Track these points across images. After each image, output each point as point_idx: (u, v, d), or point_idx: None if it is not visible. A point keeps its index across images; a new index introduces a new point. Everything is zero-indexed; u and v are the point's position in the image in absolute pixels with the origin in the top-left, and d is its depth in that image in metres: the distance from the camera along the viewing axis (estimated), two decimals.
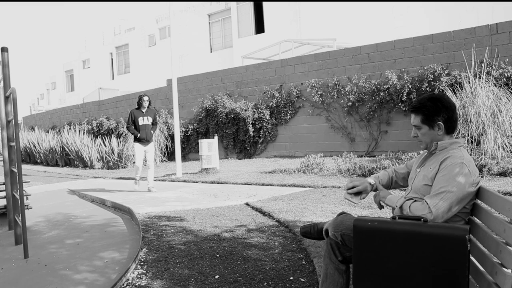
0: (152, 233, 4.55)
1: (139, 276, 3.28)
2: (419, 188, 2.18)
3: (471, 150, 7.25)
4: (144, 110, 7.71)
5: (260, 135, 11.91)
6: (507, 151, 7.23)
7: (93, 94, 23.40)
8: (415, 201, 2.08)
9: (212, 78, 13.38)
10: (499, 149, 7.17)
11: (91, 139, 14.64)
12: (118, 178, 10.41)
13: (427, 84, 8.84)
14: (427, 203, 1.99)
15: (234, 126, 12.29)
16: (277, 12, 19.77)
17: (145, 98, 7.71)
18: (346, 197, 2.36)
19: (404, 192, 2.37)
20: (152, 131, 7.74)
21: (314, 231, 2.49)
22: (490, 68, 8.13)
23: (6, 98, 4.37)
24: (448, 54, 8.89)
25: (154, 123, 7.86)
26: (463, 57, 8.57)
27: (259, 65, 12.37)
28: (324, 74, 10.79)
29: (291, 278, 3.10)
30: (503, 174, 6.24)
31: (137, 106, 7.81)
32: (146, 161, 7.81)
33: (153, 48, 28.13)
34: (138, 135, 7.57)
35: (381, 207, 2.33)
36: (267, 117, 11.67)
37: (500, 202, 1.88)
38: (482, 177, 6.19)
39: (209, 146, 9.73)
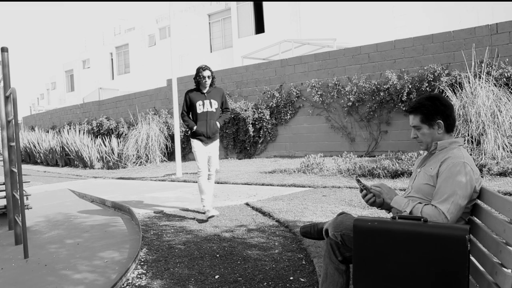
0: (152, 233, 4.55)
1: (139, 276, 3.28)
2: (420, 188, 2.19)
3: (471, 150, 7.25)
4: (205, 91, 5.15)
5: (260, 135, 11.91)
6: (507, 151, 7.23)
7: (93, 94, 23.41)
8: (425, 205, 2.08)
9: None
10: (499, 149, 7.17)
11: (91, 139, 14.64)
12: (118, 178, 10.41)
13: (427, 84, 8.84)
14: (441, 210, 2.00)
15: (234, 126, 12.29)
16: (277, 12, 19.77)
17: (206, 73, 5.05)
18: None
19: (404, 192, 2.37)
20: (218, 123, 5.20)
21: (314, 231, 2.50)
22: (490, 68, 8.13)
23: (6, 98, 4.37)
24: (448, 54, 8.89)
25: (225, 109, 5.38)
26: (463, 57, 8.57)
27: (259, 65, 12.37)
28: (324, 74, 10.79)
29: (291, 278, 3.10)
30: (503, 174, 6.24)
31: (194, 86, 5.29)
32: (209, 169, 5.26)
33: (153, 48, 28.14)
34: (194, 128, 5.10)
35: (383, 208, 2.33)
36: (267, 117, 11.67)
37: (500, 202, 1.88)
38: (482, 177, 6.20)
39: None
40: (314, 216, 4.78)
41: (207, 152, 5.16)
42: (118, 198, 6.95)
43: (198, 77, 5.12)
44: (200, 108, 5.12)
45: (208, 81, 5.10)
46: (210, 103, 5.13)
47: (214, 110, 5.16)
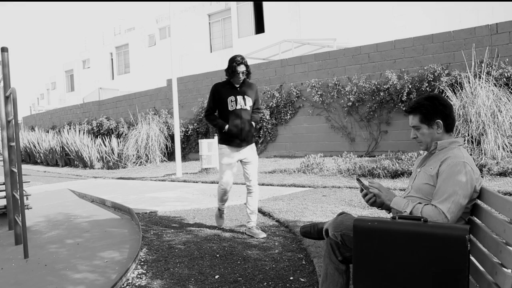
0: (152, 233, 4.55)
1: (139, 276, 3.28)
2: (420, 187, 2.18)
3: (471, 150, 7.25)
4: (237, 85, 4.29)
5: (260, 135, 11.91)
6: (507, 151, 7.23)
7: (93, 94, 23.42)
8: (425, 205, 2.08)
9: (212, 78, 13.37)
10: (499, 149, 7.17)
11: (91, 139, 14.65)
12: (118, 178, 10.41)
13: (427, 84, 8.84)
14: (441, 210, 1.99)
15: None
16: (277, 12, 19.77)
17: (241, 69, 4.16)
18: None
19: (404, 192, 2.37)
20: (253, 123, 4.35)
21: (314, 231, 2.50)
22: (490, 68, 8.13)
23: (6, 98, 4.37)
24: (448, 54, 8.89)
25: (256, 110, 4.44)
26: (463, 57, 8.57)
27: (259, 65, 12.36)
28: (324, 74, 10.78)
29: (291, 278, 3.10)
30: (503, 174, 6.24)
31: (226, 78, 4.33)
32: (248, 179, 4.38)
33: (153, 48, 28.14)
34: (226, 127, 4.24)
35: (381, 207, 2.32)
36: (267, 117, 11.67)
37: (500, 202, 1.88)
38: (482, 177, 6.19)
39: (209, 146, 9.73)
40: (314, 216, 4.78)
41: (237, 160, 4.31)
42: (118, 198, 6.95)
43: (233, 67, 4.18)
44: (232, 105, 4.24)
45: (242, 78, 4.24)
46: (244, 99, 4.27)
47: (249, 108, 4.29)
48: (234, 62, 4.17)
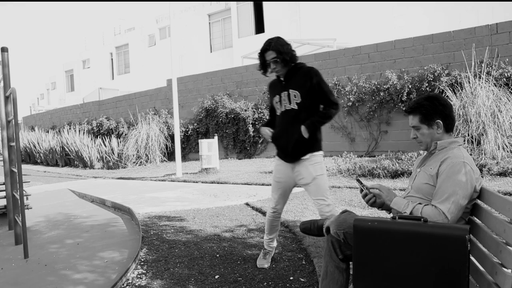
0: (152, 233, 4.55)
1: (139, 276, 3.28)
2: (420, 187, 2.18)
3: (471, 150, 7.25)
4: (282, 78, 3.12)
5: (260, 135, 11.91)
6: (507, 151, 7.23)
7: (93, 94, 23.41)
8: (425, 205, 2.08)
9: (212, 78, 13.38)
10: (499, 149, 7.17)
11: (91, 139, 14.65)
12: (118, 178, 10.41)
13: (427, 84, 8.84)
14: (441, 210, 1.99)
15: (234, 126, 12.30)
16: (277, 12, 19.76)
17: (269, 56, 3.00)
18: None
19: (404, 192, 2.37)
20: (304, 128, 2.98)
21: (314, 228, 2.49)
22: (490, 68, 8.13)
23: (6, 98, 4.37)
24: (448, 54, 8.89)
25: (328, 103, 3.01)
26: (463, 57, 8.57)
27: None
28: (324, 74, 10.73)
29: (291, 278, 3.10)
30: (503, 174, 6.24)
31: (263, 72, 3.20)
32: (316, 202, 3.01)
33: (153, 48, 28.13)
34: (267, 133, 3.27)
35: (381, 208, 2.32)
36: (267, 117, 11.64)
37: (500, 202, 1.88)
38: (482, 177, 6.19)
39: (209, 146, 9.73)
40: (314, 216, 4.78)
41: (291, 178, 3.12)
42: (118, 198, 6.95)
43: (261, 64, 3.12)
44: (277, 107, 3.18)
45: (278, 67, 3.02)
46: (288, 96, 3.05)
47: (296, 107, 3.02)
48: (261, 50, 3.02)
